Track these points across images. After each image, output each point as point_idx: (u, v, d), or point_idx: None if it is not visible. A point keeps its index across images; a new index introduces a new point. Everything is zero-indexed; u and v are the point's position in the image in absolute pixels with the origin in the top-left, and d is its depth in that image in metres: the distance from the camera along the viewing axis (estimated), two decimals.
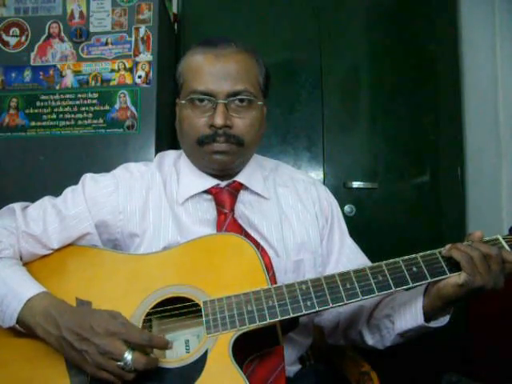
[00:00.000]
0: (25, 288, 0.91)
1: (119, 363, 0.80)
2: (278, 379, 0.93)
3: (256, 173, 1.13)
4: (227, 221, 1.04)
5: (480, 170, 2.24)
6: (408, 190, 2.14)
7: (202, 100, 1.02)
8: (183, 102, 1.05)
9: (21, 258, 1.01)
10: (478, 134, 2.25)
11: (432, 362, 1.97)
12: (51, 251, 1.02)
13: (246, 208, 1.09)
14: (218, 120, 1.00)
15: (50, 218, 1.02)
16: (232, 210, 1.06)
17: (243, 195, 1.10)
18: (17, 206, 1.04)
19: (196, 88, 1.02)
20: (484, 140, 2.25)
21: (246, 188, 1.10)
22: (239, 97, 1.02)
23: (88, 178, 1.08)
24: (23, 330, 0.90)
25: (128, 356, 0.80)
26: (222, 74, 1.02)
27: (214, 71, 1.01)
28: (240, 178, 1.10)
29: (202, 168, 1.09)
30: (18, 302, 0.89)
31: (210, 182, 1.08)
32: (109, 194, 1.05)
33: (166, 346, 0.85)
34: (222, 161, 1.05)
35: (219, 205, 1.06)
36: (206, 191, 1.08)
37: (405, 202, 2.13)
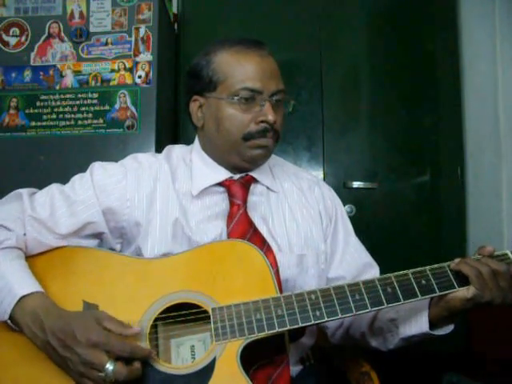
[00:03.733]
0: (20, 284, 0.90)
1: (100, 374, 0.80)
2: (281, 375, 0.94)
3: (265, 167, 1.15)
4: (239, 212, 1.05)
5: (480, 170, 2.23)
6: (408, 190, 2.14)
7: (251, 97, 1.03)
8: (224, 97, 1.05)
9: (26, 247, 1.00)
10: (478, 134, 2.25)
11: (432, 362, 1.97)
12: (58, 239, 1.01)
13: (256, 198, 1.11)
14: (271, 117, 1.04)
15: (57, 203, 1.03)
16: (244, 201, 1.07)
17: (254, 188, 1.12)
18: (24, 192, 1.04)
19: (246, 85, 1.03)
20: (484, 140, 2.25)
21: (257, 181, 1.12)
22: (280, 95, 1.07)
23: (96, 166, 1.09)
24: (15, 327, 0.90)
25: (109, 367, 0.80)
26: (269, 73, 1.05)
27: (261, 70, 1.04)
28: (253, 172, 1.12)
29: (231, 164, 1.10)
30: (12, 297, 0.88)
31: (225, 175, 1.10)
32: (117, 182, 1.06)
33: (149, 355, 0.85)
34: (263, 155, 1.08)
35: (232, 196, 1.08)
36: (219, 184, 1.09)
37: (405, 202, 2.13)
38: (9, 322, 0.89)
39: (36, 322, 0.86)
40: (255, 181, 1.12)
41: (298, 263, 1.07)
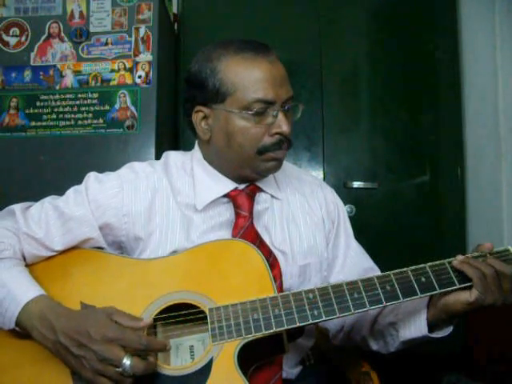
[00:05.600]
0: (23, 291, 0.90)
1: (118, 369, 0.80)
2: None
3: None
4: (246, 224, 1.02)
5: (480, 170, 2.24)
6: (408, 190, 2.14)
7: (264, 109, 0.97)
8: (235, 111, 0.98)
9: (24, 259, 0.99)
10: (477, 133, 2.25)
11: (432, 362, 1.97)
12: (55, 253, 1.00)
13: (260, 207, 1.08)
14: (286, 128, 0.99)
15: (52, 221, 1.00)
16: (251, 212, 1.04)
17: (259, 196, 1.09)
18: (17, 208, 1.02)
19: (259, 97, 0.96)
20: (484, 140, 2.25)
21: (261, 190, 1.09)
22: (290, 102, 1.01)
23: (92, 179, 1.05)
24: (23, 332, 0.89)
25: (127, 361, 0.80)
26: (280, 80, 0.99)
27: (272, 78, 0.97)
28: (257, 181, 1.08)
29: (240, 176, 1.05)
30: (16, 305, 0.88)
31: (230, 186, 1.05)
32: (113, 196, 1.02)
33: (164, 348, 0.85)
34: (277, 167, 1.04)
35: (238, 207, 1.04)
36: (224, 194, 1.05)
37: (405, 201, 2.13)
38: (17, 329, 0.89)
39: (45, 323, 0.86)
40: (259, 189, 1.08)
41: (301, 273, 1.06)
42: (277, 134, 0.99)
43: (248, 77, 0.97)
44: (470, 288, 0.87)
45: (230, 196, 1.05)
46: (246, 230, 1.01)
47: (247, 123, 0.98)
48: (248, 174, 1.04)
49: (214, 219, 1.04)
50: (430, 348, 1.89)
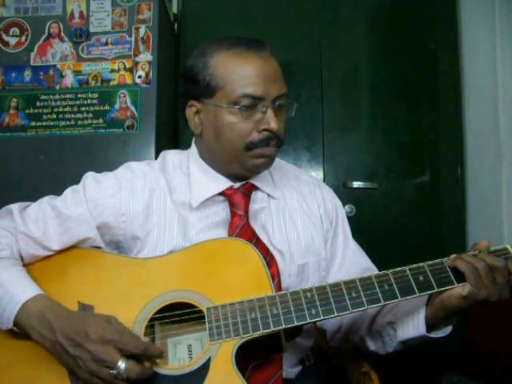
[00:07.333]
0: (21, 290, 0.90)
1: (112, 371, 0.80)
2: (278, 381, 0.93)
3: (265, 173, 1.11)
4: (242, 223, 1.02)
5: (480, 170, 2.23)
6: (408, 190, 2.14)
7: (252, 104, 0.98)
8: (224, 105, 0.98)
9: (22, 259, 1.00)
10: (477, 133, 2.24)
11: (432, 362, 1.97)
12: (52, 252, 1.01)
13: (257, 206, 1.08)
14: (274, 125, 0.98)
15: (49, 221, 1.00)
16: (246, 211, 1.04)
17: (255, 195, 1.09)
18: (14, 207, 1.02)
19: (247, 92, 0.97)
20: (484, 140, 2.24)
21: (257, 188, 1.09)
22: (283, 100, 1.01)
23: (89, 179, 1.05)
24: (21, 332, 0.89)
25: (121, 364, 0.80)
26: (271, 76, 0.99)
27: (263, 74, 0.98)
28: (253, 180, 1.08)
29: (231, 173, 1.05)
30: (14, 305, 0.88)
31: (225, 184, 1.06)
32: (110, 195, 1.03)
33: (160, 355, 0.86)
34: (266, 164, 1.04)
35: (233, 206, 1.04)
36: (219, 193, 1.05)
37: (405, 202, 2.13)
38: (15, 328, 0.89)
39: (43, 323, 0.86)
40: (256, 188, 1.08)
41: (299, 273, 1.06)
42: (265, 130, 0.99)
43: (238, 72, 0.98)
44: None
45: (225, 194, 1.05)
46: (242, 229, 1.02)
47: (235, 118, 0.99)
48: (238, 170, 1.04)
49: (211, 218, 1.05)
50: (430, 348, 1.89)
